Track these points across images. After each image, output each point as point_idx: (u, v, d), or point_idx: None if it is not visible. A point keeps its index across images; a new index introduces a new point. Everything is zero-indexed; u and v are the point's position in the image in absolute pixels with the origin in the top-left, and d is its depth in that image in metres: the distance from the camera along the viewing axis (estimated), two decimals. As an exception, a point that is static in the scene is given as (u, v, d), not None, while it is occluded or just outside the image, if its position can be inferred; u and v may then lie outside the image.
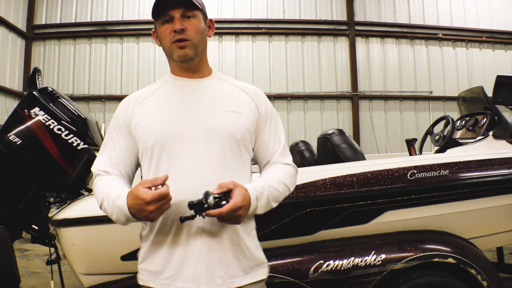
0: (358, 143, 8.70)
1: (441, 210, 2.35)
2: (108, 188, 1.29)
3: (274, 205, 1.35)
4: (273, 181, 1.34)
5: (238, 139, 1.33)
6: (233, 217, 1.19)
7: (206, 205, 1.15)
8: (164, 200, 1.15)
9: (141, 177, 1.38)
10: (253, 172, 1.41)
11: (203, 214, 1.17)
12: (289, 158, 1.44)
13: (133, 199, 1.17)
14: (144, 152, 1.33)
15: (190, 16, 1.33)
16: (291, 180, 1.40)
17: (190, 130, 1.30)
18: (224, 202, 1.17)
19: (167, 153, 1.30)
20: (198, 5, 1.34)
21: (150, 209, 1.14)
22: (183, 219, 1.19)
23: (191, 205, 1.16)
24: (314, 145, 3.43)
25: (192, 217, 1.18)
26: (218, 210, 1.16)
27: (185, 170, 1.28)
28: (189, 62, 1.36)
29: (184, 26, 1.31)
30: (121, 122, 1.39)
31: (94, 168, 1.39)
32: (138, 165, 1.42)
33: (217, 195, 1.17)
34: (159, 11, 1.33)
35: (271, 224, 2.15)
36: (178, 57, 1.34)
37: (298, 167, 1.50)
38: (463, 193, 2.37)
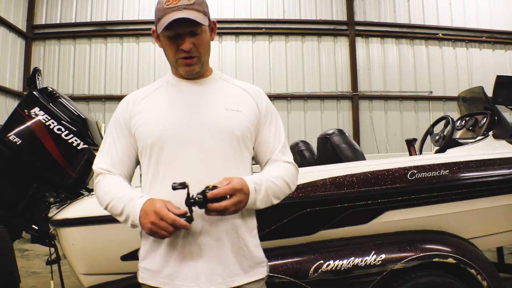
0: (358, 143, 8.70)
1: (441, 210, 2.35)
2: (122, 190, 1.30)
3: (275, 201, 1.34)
4: (272, 176, 1.33)
5: (238, 137, 1.33)
6: (235, 202, 1.19)
7: (197, 198, 1.15)
8: (173, 230, 1.17)
9: (140, 175, 1.39)
10: (254, 172, 1.41)
11: (207, 206, 1.16)
12: (289, 157, 1.43)
13: (151, 205, 1.18)
14: (144, 150, 1.34)
15: (197, 33, 1.30)
16: (291, 178, 1.39)
17: (190, 128, 1.30)
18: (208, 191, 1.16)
19: (166, 152, 1.30)
20: (205, 16, 1.30)
21: (160, 225, 1.16)
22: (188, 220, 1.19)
23: (188, 202, 1.17)
24: (314, 145, 3.43)
25: (190, 218, 1.18)
26: (223, 188, 1.17)
27: (184, 169, 1.28)
28: (194, 75, 1.37)
29: (192, 45, 1.29)
30: (121, 121, 1.39)
31: (96, 167, 1.39)
32: (137, 163, 1.42)
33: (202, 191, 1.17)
34: (166, 27, 1.27)
35: (271, 224, 2.15)
36: (185, 72, 1.35)
37: (298, 167, 1.50)
38: (463, 193, 2.37)
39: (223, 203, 1.17)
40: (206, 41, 1.34)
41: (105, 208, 1.32)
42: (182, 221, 1.15)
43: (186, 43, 1.28)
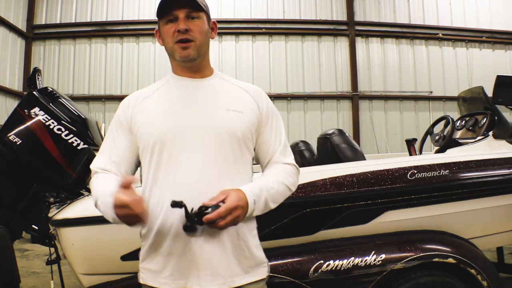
0: (358, 143, 8.70)
1: (441, 210, 2.35)
2: (104, 187, 1.28)
3: (273, 206, 1.34)
4: (272, 183, 1.33)
5: (239, 138, 1.33)
6: (232, 219, 1.19)
7: (196, 219, 1.17)
8: (125, 209, 1.11)
9: (141, 176, 1.39)
10: (255, 172, 1.41)
11: (202, 221, 1.17)
12: (290, 158, 1.43)
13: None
14: (145, 150, 1.34)
15: (194, 17, 1.33)
16: (292, 180, 1.40)
17: (191, 129, 1.30)
18: (209, 210, 1.16)
19: (167, 152, 1.30)
20: (203, 6, 1.35)
21: (118, 213, 1.14)
22: (186, 228, 1.20)
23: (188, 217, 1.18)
24: (314, 145, 3.43)
25: (192, 228, 1.19)
26: (216, 211, 1.16)
27: (185, 169, 1.28)
28: (191, 62, 1.37)
29: (188, 27, 1.31)
30: (122, 121, 1.39)
31: (92, 166, 1.39)
32: (138, 164, 1.42)
33: (204, 207, 1.17)
34: (163, 11, 1.32)
35: (271, 224, 2.14)
36: (180, 57, 1.34)
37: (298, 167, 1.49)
38: (463, 193, 2.37)
39: (219, 223, 1.17)
40: (204, 29, 1.35)
41: (95, 207, 1.31)
42: (136, 198, 1.12)
43: (181, 23, 1.30)
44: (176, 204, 1.16)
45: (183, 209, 1.18)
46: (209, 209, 1.16)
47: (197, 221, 1.18)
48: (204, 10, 1.35)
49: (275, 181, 1.34)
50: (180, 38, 1.31)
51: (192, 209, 1.18)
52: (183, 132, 1.30)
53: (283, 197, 1.37)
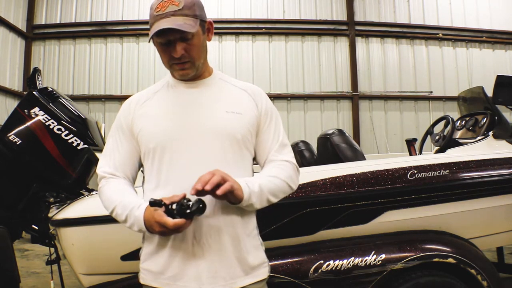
0: (358, 143, 8.69)
1: (441, 210, 2.35)
2: (122, 196, 1.31)
3: (273, 199, 1.32)
4: (267, 175, 1.33)
5: (238, 139, 1.33)
6: (230, 186, 1.18)
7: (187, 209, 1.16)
8: (180, 229, 1.17)
9: (143, 177, 1.39)
10: (255, 172, 1.41)
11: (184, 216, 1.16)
12: (288, 155, 1.41)
13: (151, 217, 1.19)
14: (146, 153, 1.34)
15: (189, 38, 1.28)
16: (288, 176, 1.37)
17: (191, 132, 1.31)
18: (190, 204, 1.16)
19: (168, 155, 1.30)
20: (195, 19, 1.28)
21: (168, 231, 1.18)
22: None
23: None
24: (314, 145, 3.44)
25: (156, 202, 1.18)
26: (222, 187, 1.15)
27: (186, 172, 1.28)
28: (190, 78, 1.37)
29: (183, 50, 1.28)
30: (123, 124, 1.40)
31: (99, 171, 1.40)
32: (140, 165, 1.43)
33: (183, 204, 1.16)
34: (156, 34, 1.26)
35: (271, 224, 2.15)
36: (180, 76, 1.35)
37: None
38: (463, 193, 2.37)
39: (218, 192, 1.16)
40: (199, 44, 1.32)
41: (110, 214, 1.33)
42: (181, 221, 1.15)
43: (177, 50, 1.27)
44: (155, 204, 1.16)
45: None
46: (190, 203, 1.16)
47: (181, 217, 1.16)
48: (197, 24, 1.29)
49: (270, 174, 1.34)
50: (177, 62, 1.30)
51: (171, 204, 1.17)
52: (183, 136, 1.30)
53: (281, 191, 1.34)
